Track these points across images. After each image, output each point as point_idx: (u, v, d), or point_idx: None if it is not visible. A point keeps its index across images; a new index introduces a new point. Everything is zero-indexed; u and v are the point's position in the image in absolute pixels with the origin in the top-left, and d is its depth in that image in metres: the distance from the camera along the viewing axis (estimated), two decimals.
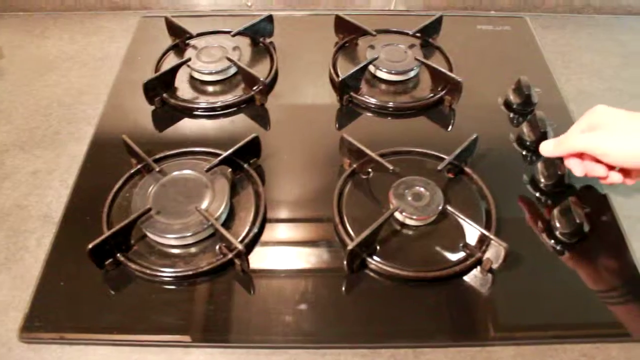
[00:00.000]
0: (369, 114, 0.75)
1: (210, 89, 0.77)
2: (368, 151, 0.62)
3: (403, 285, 0.55)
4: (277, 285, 0.55)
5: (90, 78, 0.81)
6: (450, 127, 0.73)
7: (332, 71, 0.79)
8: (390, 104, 0.75)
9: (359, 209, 0.61)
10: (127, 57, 0.83)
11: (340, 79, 0.73)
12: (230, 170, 0.63)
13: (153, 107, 0.75)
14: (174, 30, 0.84)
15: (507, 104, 0.75)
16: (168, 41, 0.85)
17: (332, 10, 0.91)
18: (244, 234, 0.58)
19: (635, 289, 0.55)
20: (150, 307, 0.53)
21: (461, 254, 0.57)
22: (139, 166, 0.64)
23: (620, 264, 0.57)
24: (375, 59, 0.77)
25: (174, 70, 0.75)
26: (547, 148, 0.62)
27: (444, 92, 0.75)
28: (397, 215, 0.59)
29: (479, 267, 0.56)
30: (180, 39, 0.84)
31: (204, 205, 0.58)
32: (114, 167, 0.65)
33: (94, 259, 0.54)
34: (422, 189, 0.60)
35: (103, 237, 0.54)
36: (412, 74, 0.78)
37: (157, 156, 0.66)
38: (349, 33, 0.85)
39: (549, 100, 0.75)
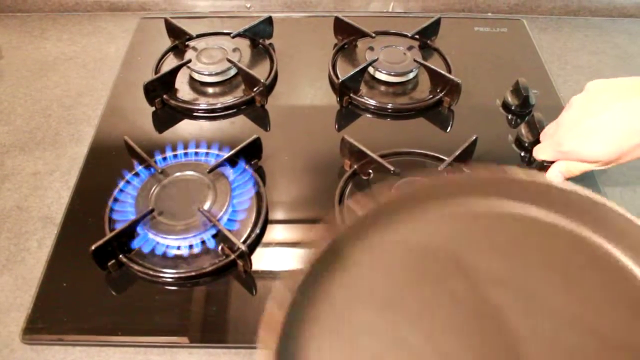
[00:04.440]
0: (369, 115, 0.75)
1: (210, 90, 0.77)
2: (369, 152, 0.63)
3: None
4: None
5: (89, 79, 0.81)
6: (449, 128, 0.74)
7: (331, 73, 0.79)
8: (390, 105, 0.75)
9: None
10: (127, 59, 0.83)
11: (340, 80, 0.73)
12: (232, 171, 0.63)
13: (153, 109, 0.75)
14: (174, 31, 0.84)
15: (506, 106, 0.76)
16: (167, 42, 0.85)
17: (331, 12, 0.91)
18: (245, 234, 0.59)
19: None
20: (153, 308, 0.54)
21: None
22: (140, 167, 0.65)
23: None
24: (375, 60, 0.77)
25: (175, 71, 0.75)
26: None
27: (442, 93, 0.75)
28: None
29: None
30: (179, 40, 0.84)
31: (206, 206, 0.59)
32: (115, 168, 0.65)
33: (96, 260, 0.54)
34: None
35: (106, 238, 0.54)
36: (411, 75, 0.78)
37: (159, 157, 0.66)
38: (348, 35, 0.85)
39: (547, 101, 0.76)
